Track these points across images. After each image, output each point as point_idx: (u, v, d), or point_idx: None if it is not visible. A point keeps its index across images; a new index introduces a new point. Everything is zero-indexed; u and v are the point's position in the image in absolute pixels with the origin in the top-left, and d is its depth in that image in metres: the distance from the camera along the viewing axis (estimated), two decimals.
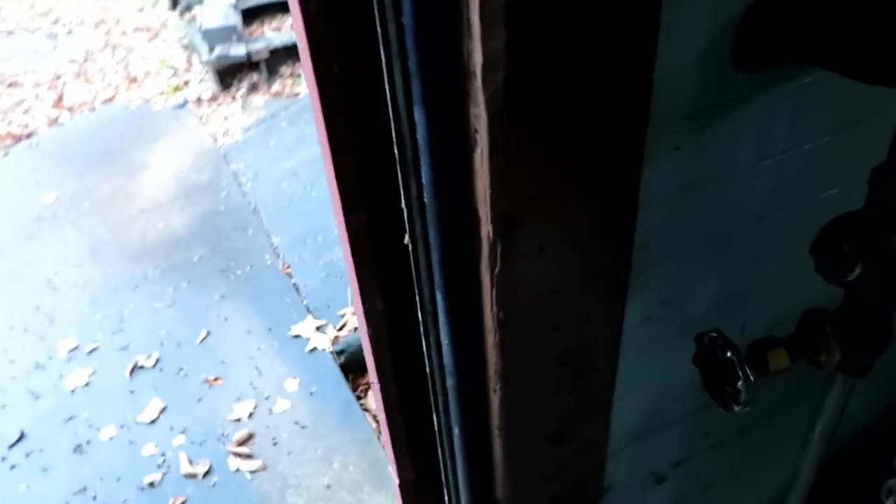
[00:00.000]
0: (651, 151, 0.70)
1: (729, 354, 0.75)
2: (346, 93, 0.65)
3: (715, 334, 0.78)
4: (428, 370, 0.79)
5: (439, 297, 0.68)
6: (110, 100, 4.95)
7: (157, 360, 2.66)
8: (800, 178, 0.86)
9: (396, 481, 0.98)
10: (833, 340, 0.78)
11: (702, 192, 0.78)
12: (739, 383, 0.74)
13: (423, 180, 0.60)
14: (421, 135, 0.57)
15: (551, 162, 0.59)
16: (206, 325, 2.80)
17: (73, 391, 2.55)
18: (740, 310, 0.94)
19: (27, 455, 2.32)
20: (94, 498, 2.15)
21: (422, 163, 0.59)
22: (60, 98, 5.06)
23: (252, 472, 2.18)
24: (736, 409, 0.76)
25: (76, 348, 2.75)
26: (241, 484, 2.15)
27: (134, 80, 5.18)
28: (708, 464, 1.15)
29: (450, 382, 0.76)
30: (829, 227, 0.72)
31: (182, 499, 2.11)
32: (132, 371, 2.61)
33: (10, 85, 5.39)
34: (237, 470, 2.19)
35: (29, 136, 4.61)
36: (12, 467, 2.27)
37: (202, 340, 2.73)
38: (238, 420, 2.37)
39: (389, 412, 0.90)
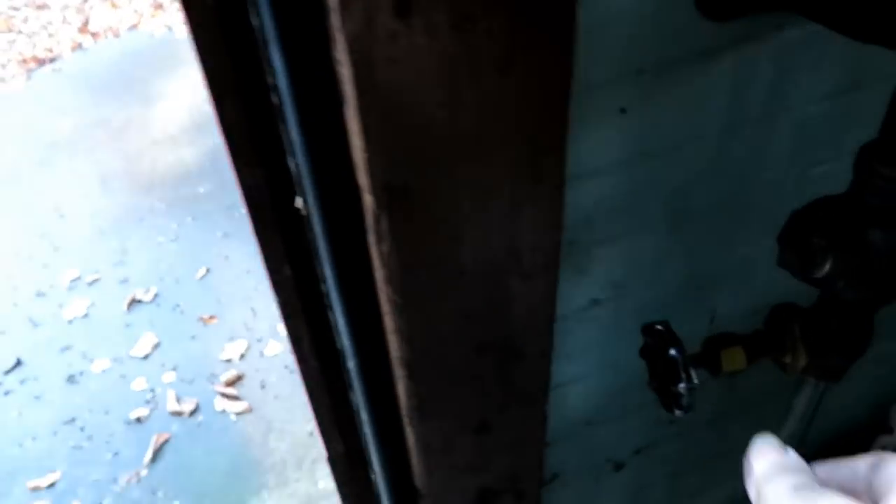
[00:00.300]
0: (587, 113, 0.59)
1: (673, 352, 0.65)
2: (224, 28, 0.55)
3: (661, 327, 0.68)
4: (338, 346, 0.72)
5: (328, 272, 0.59)
6: (135, 26, 4.87)
7: (156, 295, 2.64)
8: (784, 149, 0.74)
9: (326, 455, 0.92)
10: (800, 342, 0.67)
11: (659, 163, 0.67)
12: (681, 385, 0.65)
13: (292, 138, 0.51)
14: (282, 83, 0.48)
15: (443, 123, 0.48)
16: (207, 263, 2.77)
17: (71, 321, 2.56)
18: (709, 297, 0.84)
19: (22, 382, 2.34)
20: (83, 429, 2.17)
21: (287, 117, 0.49)
22: (86, 22, 5.00)
23: (238, 414, 2.17)
24: (677, 412, 0.67)
25: (78, 278, 2.75)
26: (225, 425, 2.15)
27: (160, 6, 5.08)
28: (674, 452, 1.07)
29: (350, 365, 0.68)
30: (800, 214, 0.61)
31: (166, 436, 2.11)
32: (130, 304, 2.61)
33: (39, 7, 5.35)
34: (223, 411, 2.19)
35: (53, 60, 4.58)
36: (6, 393, 2.31)
37: (201, 277, 2.70)
38: (229, 360, 2.35)
39: (310, 386, 0.83)
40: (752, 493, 0.36)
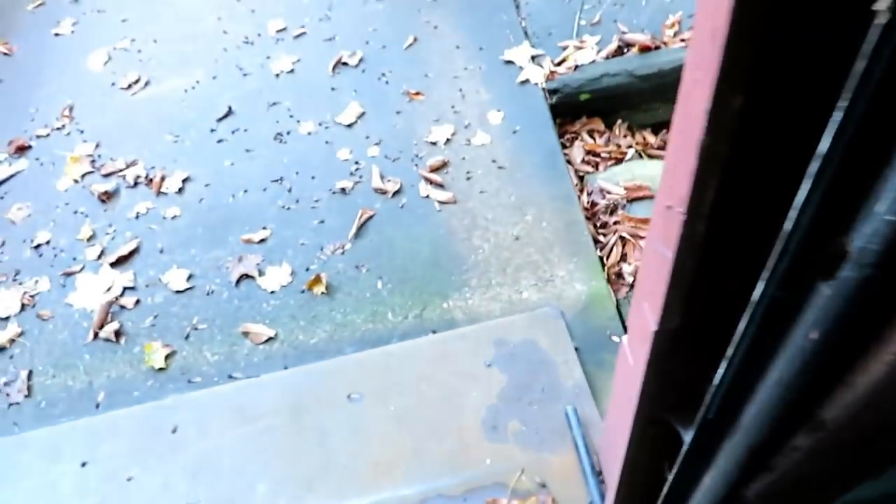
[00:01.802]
0: None
1: None
2: None
3: None
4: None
5: None
6: None
7: (361, 60, 2.48)
8: None
9: (653, 328, 0.75)
10: None
11: None
12: None
13: None
14: None
15: None
16: (414, 31, 2.54)
17: (277, 75, 2.48)
18: None
19: (233, 132, 2.34)
20: (290, 190, 2.17)
21: None
22: None
23: (441, 203, 2.08)
24: None
25: (284, 30, 2.62)
26: (428, 212, 2.06)
27: None
28: None
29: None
30: None
31: (371, 213, 2.07)
32: (335, 66, 2.47)
33: None
34: (426, 196, 2.09)
35: None
36: (219, 141, 2.32)
37: (408, 47, 2.50)
38: (434, 144, 2.21)
39: (679, 250, 0.63)
40: None
